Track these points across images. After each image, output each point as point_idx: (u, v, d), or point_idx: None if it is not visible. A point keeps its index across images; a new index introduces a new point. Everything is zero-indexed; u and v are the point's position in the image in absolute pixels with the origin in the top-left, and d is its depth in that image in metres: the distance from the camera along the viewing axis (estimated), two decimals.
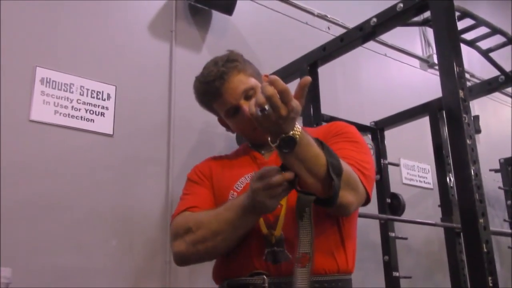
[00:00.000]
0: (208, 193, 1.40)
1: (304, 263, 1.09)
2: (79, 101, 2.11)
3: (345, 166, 1.14)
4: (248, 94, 1.36)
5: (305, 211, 1.11)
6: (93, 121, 2.13)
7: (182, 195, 1.45)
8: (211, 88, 1.38)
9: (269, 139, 1.06)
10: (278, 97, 0.95)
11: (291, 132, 1.03)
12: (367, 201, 1.27)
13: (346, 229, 1.32)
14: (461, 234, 2.40)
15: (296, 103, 0.97)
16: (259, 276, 1.21)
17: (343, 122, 1.46)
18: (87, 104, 2.13)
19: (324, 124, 1.93)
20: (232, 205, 1.23)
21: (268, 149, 1.40)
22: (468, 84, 3.20)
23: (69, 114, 2.07)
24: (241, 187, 1.34)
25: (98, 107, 2.16)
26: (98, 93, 2.18)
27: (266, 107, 0.97)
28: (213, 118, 2.44)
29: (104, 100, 2.18)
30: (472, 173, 1.51)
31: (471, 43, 2.46)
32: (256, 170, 1.33)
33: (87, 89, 2.15)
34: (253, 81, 1.39)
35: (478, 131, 3.73)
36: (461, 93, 1.60)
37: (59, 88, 2.08)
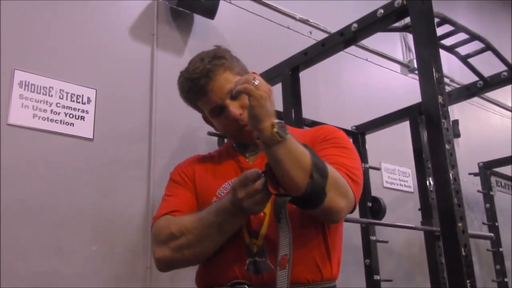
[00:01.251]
0: (190, 195, 1.36)
1: (284, 264, 1.08)
2: (58, 105, 2.09)
3: (331, 169, 1.13)
4: (235, 95, 1.29)
5: (281, 213, 1.10)
6: (73, 125, 2.11)
7: (164, 195, 1.41)
8: (196, 86, 1.33)
9: (258, 134, 1.08)
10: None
11: (278, 120, 1.07)
12: (354, 207, 1.25)
13: (332, 238, 1.29)
14: (441, 237, 2.43)
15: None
16: (240, 286, 1.20)
17: (331, 126, 1.41)
18: (66, 108, 2.11)
19: (306, 128, 1.91)
20: (216, 209, 1.20)
21: (253, 151, 1.38)
22: (448, 89, 3.25)
23: (48, 118, 2.05)
24: (223, 192, 1.31)
25: (78, 110, 2.14)
26: (78, 97, 2.15)
27: (256, 81, 1.07)
28: (195, 121, 2.45)
29: (84, 103, 2.16)
30: (451, 178, 1.53)
31: (450, 49, 2.49)
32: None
33: (67, 93, 2.13)
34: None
35: (458, 135, 3.78)
36: (440, 99, 1.62)
37: (38, 91, 2.05)
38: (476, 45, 2.48)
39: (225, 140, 2.26)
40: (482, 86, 2.66)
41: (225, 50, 1.40)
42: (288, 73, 2.28)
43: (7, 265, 1.80)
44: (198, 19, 2.67)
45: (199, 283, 1.35)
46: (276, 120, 1.07)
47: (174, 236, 1.23)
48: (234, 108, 1.31)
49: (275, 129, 1.06)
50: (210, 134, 2.33)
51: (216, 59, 1.33)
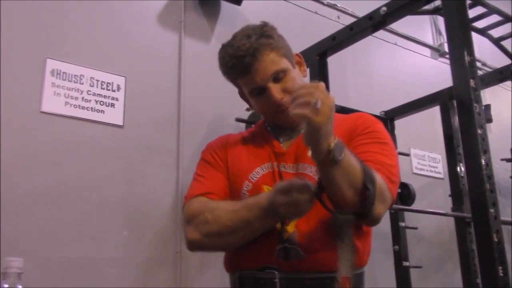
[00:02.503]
0: (223, 178, 1.35)
1: (345, 286, 1.07)
2: (89, 92, 2.12)
3: (377, 178, 1.10)
4: (278, 77, 1.28)
5: (345, 232, 1.08)
6: (104, 112, 2.14)
7: (196, 175, 1.39)
8: (240, 65, 1.27)
9: (312, 152, 1.04)
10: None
11: (335, 140, 1.02)
12: (390, 207, 1.24)
13: (364, 229, 1.29)
14: (472, 224, 2.40)
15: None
16: (270, 271, 1.20)
17: (370, 116, 1.37)
18: (97, 95, 2.14)
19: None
20: (252, 205, 1.19)
21: (287, 135, 1.36)
22: (480, 73, 3.17)
23: (79, 105, 2.09)
24: (256, 177, 1.30)
25: (108, 98, 2.17)
26: (108, 84, 2.18)
27: (318, 104, 0.97)
28: (223, 108, 2.47)
29: (114, 91, 2.19)
30: (483, 163, 1.50)
31: (483, 32, 2.44)
32: (273, 161, 1.30)
33: (97, 80, 2.16)
34: (285, 62, 1.31)
35: (490, 120, 3.69)
36: (472, 83, 1.58)
37: (69, 79, 2.09)
38: (509, 28, 2.42)
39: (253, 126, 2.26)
40: None
41: (272, 28, 1.35)
42: (316, 59, 2.26)
43: (41, 250, 1.85)
44: (225, 5, 2.67)
45: (228, 267, 1.36)
46: (334, 141, 1.03)
47: (208, 223, 1.23)
48: (276, 92, 1.27)
49: (331, 150, 1.02)
50: (238, 120, 2.34)
51: (264, 37, 1.29)
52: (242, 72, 1.29)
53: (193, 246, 1.29)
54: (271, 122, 1.39)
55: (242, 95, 1.43)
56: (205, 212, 1.24)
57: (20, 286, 0.86)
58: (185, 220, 1.30)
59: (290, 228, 1.22)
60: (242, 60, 1.26)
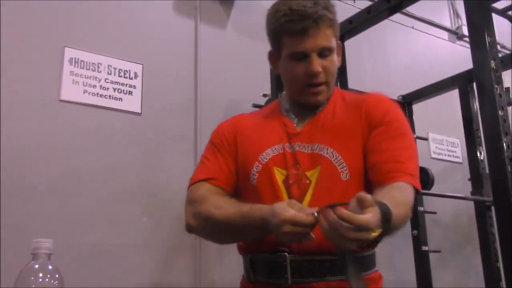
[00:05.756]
0: (229, 162, 1.34)
1: None
2: (107, 80, 2.14)
3: (393, 208, 1.00)
4: (323, 54, 1.24)
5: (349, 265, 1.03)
6: (122, 100, 2.15)
7: (202, 157, 1.39)
8: (299, 23, 1.21)
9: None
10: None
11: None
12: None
13: None
14: (492, 207, 2.37)
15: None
16: (281, 253, 1.19)
17: (387, 100, 1.33)
18: (115, 83, 2.15)
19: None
20: (246, 217, 1.16)
21: (303, 117, 1.32)
22: (499, 55, 3.12)
23: (97, 93, 2.10)
24: (266, 159, 1.28)
25: (126, 85, 2.18)
26: (126, 72, 2.20)
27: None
28: (239, 94, 2.47)
29: (132, 79, 2.20)
30: (504, 145, 1.48)
31: (503, 12, 2.39)
32: (285, 142, 1.28)
33: (115, 68, 2.17)
34: (334, 43, 1.27)
35: (510, 103, 3.64)
36: (492, 64, 1.56)
37: (87, 67, 2.10)
38: None
39: None
40: None
41: (335, 8, 1.31)
42: None
43: (62, 235, 1.87)
44: None
45: (241, 250, 1.37)
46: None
47: (203, 217, 1.24)
48: (317, 64, 1.24)
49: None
50: (255, 106, 2.33)
51: (329, 12, 1.25)
52: (296, 31, 1.23)
53: (189, 230, 1.30)
54: (294, 94, 1.35)
55: (272, 56, 1.37)
56: (203, 204, 1.25)
57: (50, 267, 0.88)
58: (187, 203, 1.31)
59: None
60: (302, 20, 1.22)
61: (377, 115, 1.27)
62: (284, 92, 1.43)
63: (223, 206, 1.23)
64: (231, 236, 1.26)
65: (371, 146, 1.20)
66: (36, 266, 0.87)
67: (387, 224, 0.94)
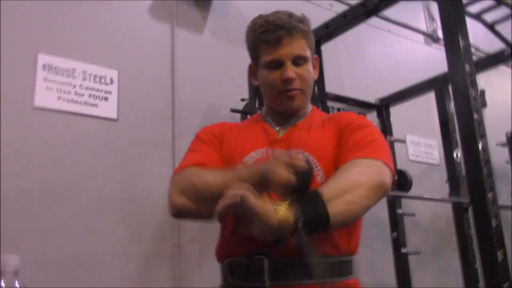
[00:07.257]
0: (216, 155, 1.35)
1: None
2: (82, 86, 2.10)
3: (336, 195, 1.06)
4: (298, 62, 1.34)
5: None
6: (97, 106, 2.12)
7: (187, 151, 1.40)
8: (274, 33, 1.33)
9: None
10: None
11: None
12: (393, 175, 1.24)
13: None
14: (469, 209, 2.40)
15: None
16: (258, 256, 1.19)
17: (358, 115, 1.42)
18: (90, 89, 2.12)
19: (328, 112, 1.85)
20: (246, 170, 1.19)
21: (283, 125, 1.39)
22: (473, 58, 3.17)
23: (72, 100, 2.07)
24: (250, 161, 1.30)
25: (102, 91, 2.15)
26: (101, 78, 2.16)
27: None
28: (217, 99, 2.45)
29: (107, 84, 2.17)
30: (480, 148, 1.50)
31: (476, 16, 2.42)
32: (268, 147, 1.31)
33: (90, 74, 2.14)
34: (308, 53, 1.37)
35: (484, 105, 3.70)
36: (467, 67, 1.58)
37: (62, 74, 2.07)
38: (503, 12, 2.41)
39: (248, 117, 2.25)
40: (509, 54, 2.59)
41: (309, 23, 1.41)
42: None
43: (39, 247, 1.84)
44: None
45: (219, 255, 1.36)
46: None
47: (195, 187, 1.21)
48: (292, 71, 1.32)
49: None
50: (233, 111, 2.33)
51: (303, 24, 1.35)
52: (271, 41, 1.34)
53: (178, 211, 1.27)
54: (271, 101, 1.42)
55: (251, 69, 1.46)
56: (192, 178, 1.24)
57: (17, 284, 0.85)
58: (172, 187, 1.28)
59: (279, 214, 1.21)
60: (277, 30, 1.33)
61: (345, 121, 1.35)
62: (264, 107, 1.49)
63: (214, 172, 1.23)
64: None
65: (340, 146, 1.28)
66: (2, 284, 0.84)
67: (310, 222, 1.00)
